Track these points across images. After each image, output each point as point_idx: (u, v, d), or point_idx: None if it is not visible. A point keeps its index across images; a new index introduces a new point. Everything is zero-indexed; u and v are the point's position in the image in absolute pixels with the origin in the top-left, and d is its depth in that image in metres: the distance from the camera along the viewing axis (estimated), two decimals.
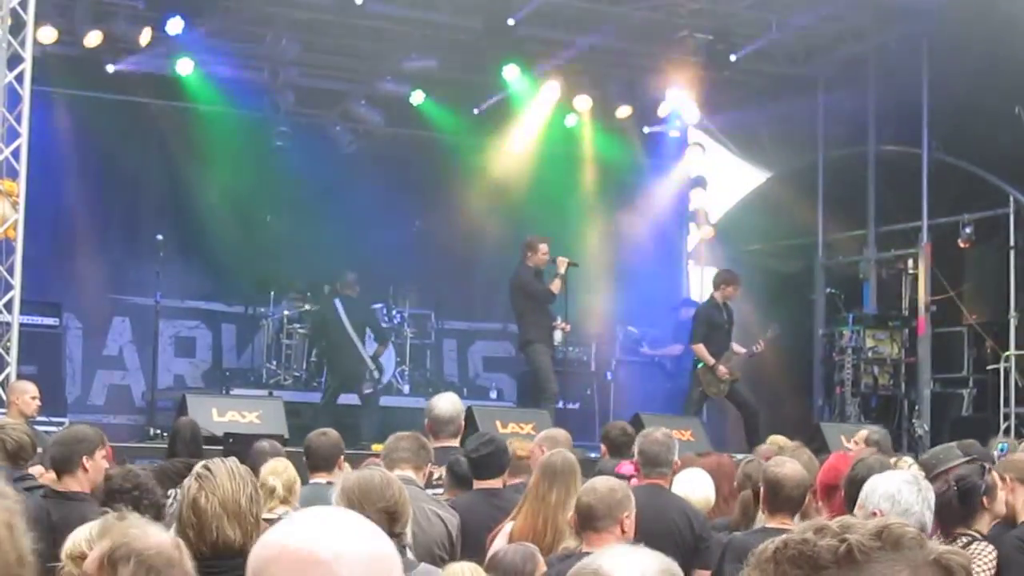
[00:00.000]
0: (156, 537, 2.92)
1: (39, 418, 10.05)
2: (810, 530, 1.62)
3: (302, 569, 1.90)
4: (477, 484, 6.58)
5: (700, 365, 13.81)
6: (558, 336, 13.60)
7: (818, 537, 1.61)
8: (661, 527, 6.09)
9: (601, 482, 5.32)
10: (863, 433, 9.08)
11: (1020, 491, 5.64)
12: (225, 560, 3.92)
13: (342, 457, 7.00)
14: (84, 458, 6.01)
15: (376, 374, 14.74)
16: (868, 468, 5.40)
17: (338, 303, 14.67)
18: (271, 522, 5.39)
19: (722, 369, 13.62)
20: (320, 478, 6.65)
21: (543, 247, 13.46)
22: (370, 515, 4.23)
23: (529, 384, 14.14)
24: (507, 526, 5.65)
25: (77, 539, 3.92)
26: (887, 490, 4.62)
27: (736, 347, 13.93)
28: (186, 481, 4.05)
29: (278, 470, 6.12)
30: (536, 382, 13.46)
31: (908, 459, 8.48)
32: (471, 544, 5.80)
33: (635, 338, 16.60)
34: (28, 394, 9.74)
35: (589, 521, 5.08)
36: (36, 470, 6.46)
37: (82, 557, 3.50)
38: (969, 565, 1.61)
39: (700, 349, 13.77)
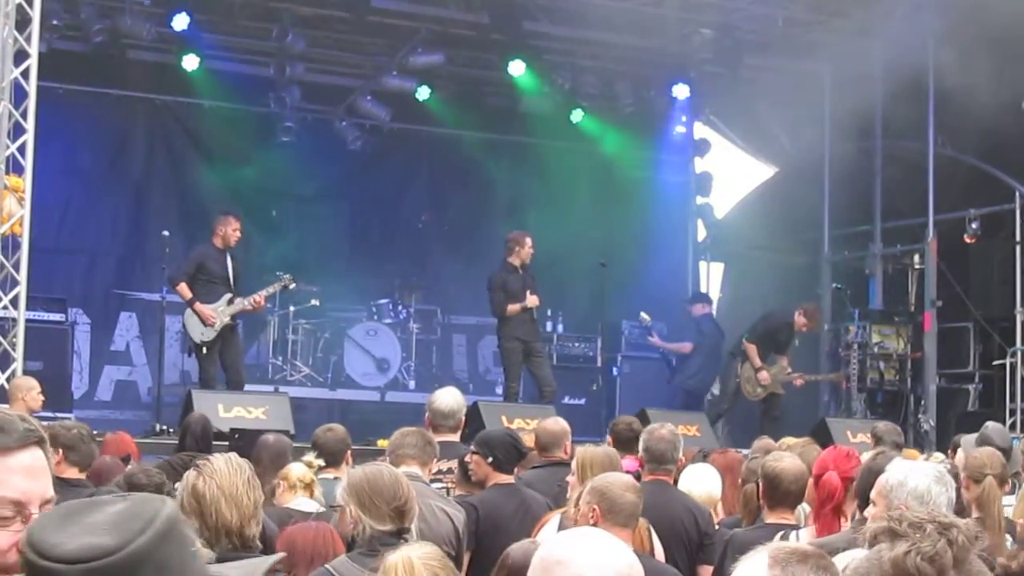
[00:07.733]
0: None
1: (45, 413, 10.08)
2: None
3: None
4: (494, 479, 6.58)
5: (745, 361, 13.83)
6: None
7: None
8: (666, 523, 6.07)
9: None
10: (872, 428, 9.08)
11: (973, 488, 5.77)
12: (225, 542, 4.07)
13: (349, 452, 7.01)
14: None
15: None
16: (889, 459, 5.39)
17: None
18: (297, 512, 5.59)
19: (764, 375, 13.59)
20: (328, 473, 6.65)
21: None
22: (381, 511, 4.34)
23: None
24: (555, 516, 5.64)
25: None
26: (916, 489, 4.51)
27: (792, 373, 13.98)
28: (187, 472, 4.25)
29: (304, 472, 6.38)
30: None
31: (939, 455, 8.48)
32: (497, 537, 5.79)
33: (646, 326, 16.32)
34: (35, 390, 9.79)
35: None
36: None
37: None
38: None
39: (752, 348, 13.77)
